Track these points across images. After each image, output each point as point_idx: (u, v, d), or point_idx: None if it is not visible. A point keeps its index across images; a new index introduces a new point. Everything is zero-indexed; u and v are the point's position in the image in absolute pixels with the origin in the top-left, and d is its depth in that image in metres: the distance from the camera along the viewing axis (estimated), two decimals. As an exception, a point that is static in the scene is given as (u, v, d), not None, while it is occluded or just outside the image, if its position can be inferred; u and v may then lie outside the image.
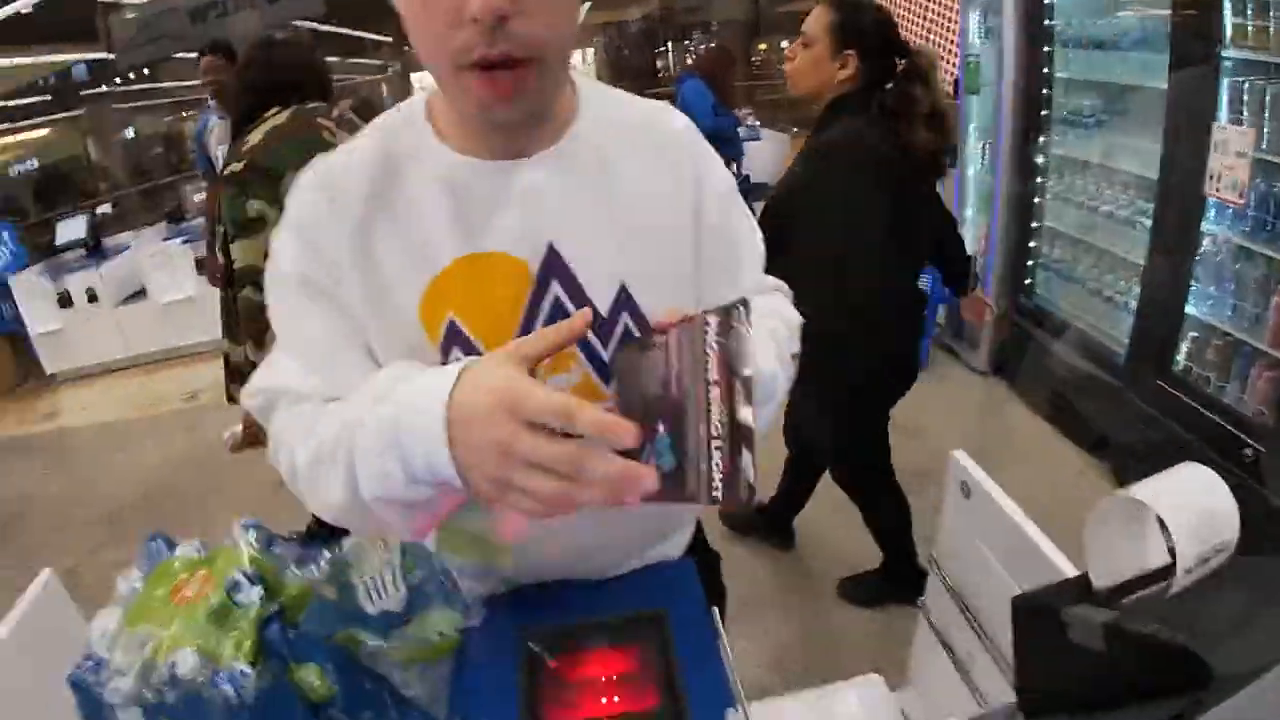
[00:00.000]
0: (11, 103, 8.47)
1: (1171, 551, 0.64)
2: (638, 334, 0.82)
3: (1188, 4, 2.44)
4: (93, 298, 5.45)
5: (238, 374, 2.03)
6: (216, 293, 2.53)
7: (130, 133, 9.51)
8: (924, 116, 1.84)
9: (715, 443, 0.62)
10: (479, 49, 0.65)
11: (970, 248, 3.88)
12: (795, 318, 0.95)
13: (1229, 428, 2.41)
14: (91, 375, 5.68)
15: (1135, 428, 2.77)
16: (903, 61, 1.89)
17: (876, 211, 1.85)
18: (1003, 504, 1.16)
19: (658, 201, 0.85)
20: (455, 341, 0.80)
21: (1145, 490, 0.67)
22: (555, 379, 0.83)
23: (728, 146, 4.88)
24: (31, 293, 5.51)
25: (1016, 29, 3.30)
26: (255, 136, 2.08)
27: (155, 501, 3.70)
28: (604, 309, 0.83)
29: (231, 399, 2.05)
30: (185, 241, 5.55)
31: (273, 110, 2.14)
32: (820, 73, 1.90)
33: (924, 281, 3.80)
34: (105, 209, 6.94)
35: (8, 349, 5.92)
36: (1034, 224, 3.46)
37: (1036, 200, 3.42)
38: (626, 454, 0.65)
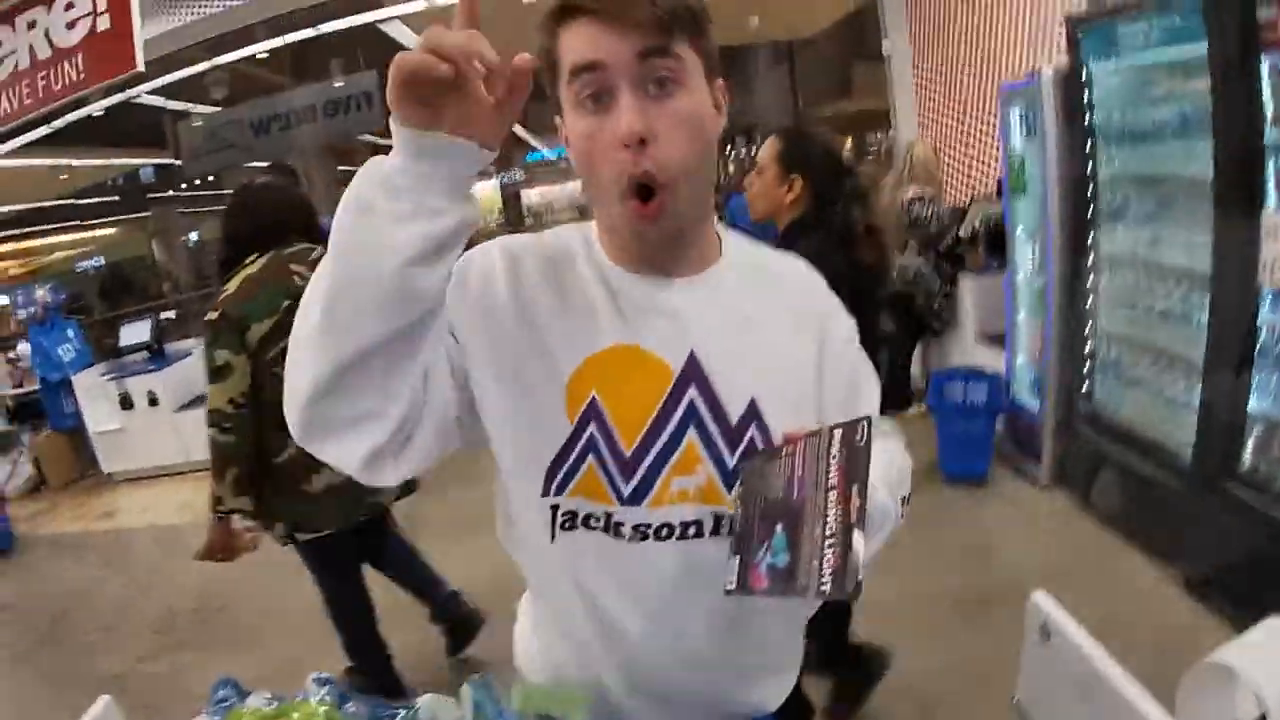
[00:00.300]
0: (82, 201, 8.88)
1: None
2: (763, 447, 0.89)
3: (1227, 87, 2.43)
4: (153, 401, 5.59)
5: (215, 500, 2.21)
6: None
7: (194, 236, 9.89)
8: (864, 233, 2.04)
9: (829, 541, 0.68)
10: (627, 168, 0.82)
11: (1024, 352, 3.87)
12: (907, 463, 1.03)
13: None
14: (148, 477, 5.78)
15: (1206, 532, 2.66)
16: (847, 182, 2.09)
17: None
18: (1084, 646, 1.11)
19: (786, 335, 0.97)
20: (593, 416, 0.90)
21: (1235, 655, 0.66)
22: (681, 480, 0.90)
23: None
24: (93, 392, 5.71)
25: (1058, 125, 3.32)
26: (231, 285, 2.21)
27: (208, 614, 3.68)
28: (734, 419, 0.91)
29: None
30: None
31: (252, 257, 2.27)
32: (771, 196, 2.09)
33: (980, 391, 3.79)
34: (169, 315, 7.17)
35: (67, 445, 6.11)
36: (1089, 325, 3.40)
37: (1090, 301, 3.37)
38: (742, 552, 0.76)
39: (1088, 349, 3.42)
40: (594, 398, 0.89)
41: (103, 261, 9.14)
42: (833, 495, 0.70)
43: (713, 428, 0.90)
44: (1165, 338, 3.00)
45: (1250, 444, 2.55)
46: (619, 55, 0.80)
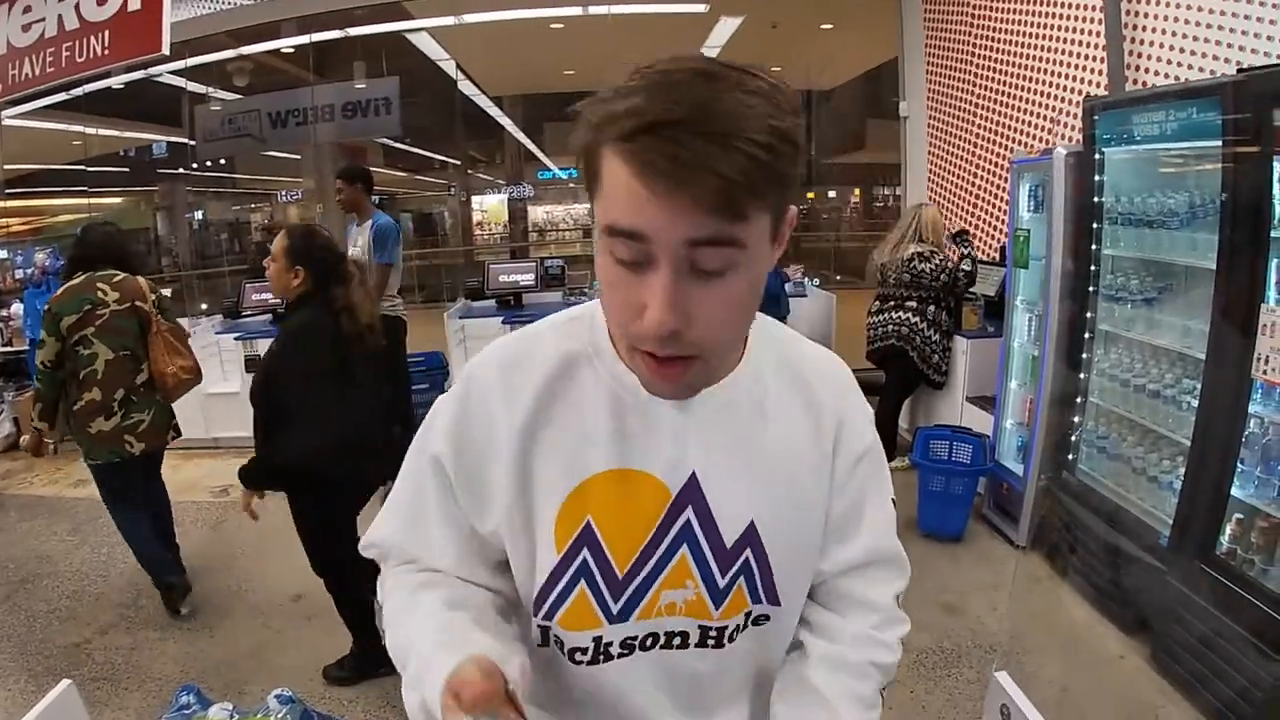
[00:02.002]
0: (92, 168, 8.88)
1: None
2: None
3: (1239, 183, 2.50)
4: (140, 373, 5.59)
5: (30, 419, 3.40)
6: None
7: (199, 215, 9.88)
8: (345, 308, 2.62)
9: None
10: (650, 346, 0.71)
11: (1012, 417, 3.92)
12: (892, 659, 0.97)
13: (1271, 612, 2.34)
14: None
15: (1175, 610, 2.70)
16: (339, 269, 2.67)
17: (326, 370, 2.56)
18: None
19: (799, 443, 0.90)
20: (587, 542, 0.85)
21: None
22: (670, 593, 0.87)
23: (774, 305, 5.00)
24: (83, 360, 5.65)
25: (1067, 204, 3.39)
26: (60, 290, 3.31)
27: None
28: (729, 541, 0.87)
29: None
30: (238, 338, 5.62)
31: (79, 273, 3.31)
32: (281, 281, 2.64)
33: (965, 452, 3.85)
34: (165, 292, 7.12)
35: (47, 410, 6.03)
36: (1078, 399, 3.46)
37: (1082, 375, 3.43)
38: None
39: (1076, 420, 3.48)
40: (589, 521, 0.85)
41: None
42: None
43: (706, 547, 0.87)
44: (1154, 418, 3.06)
45: (1228, 529, 2.60)
46: (663, 235, 0.65)
